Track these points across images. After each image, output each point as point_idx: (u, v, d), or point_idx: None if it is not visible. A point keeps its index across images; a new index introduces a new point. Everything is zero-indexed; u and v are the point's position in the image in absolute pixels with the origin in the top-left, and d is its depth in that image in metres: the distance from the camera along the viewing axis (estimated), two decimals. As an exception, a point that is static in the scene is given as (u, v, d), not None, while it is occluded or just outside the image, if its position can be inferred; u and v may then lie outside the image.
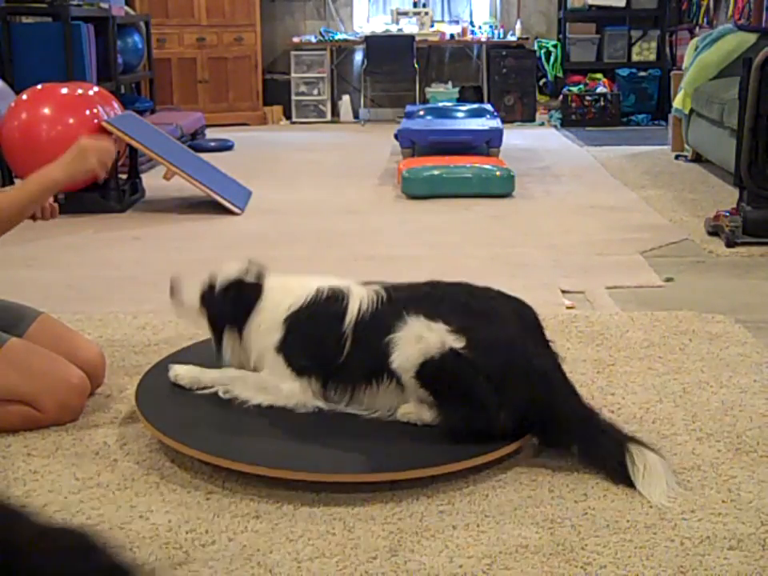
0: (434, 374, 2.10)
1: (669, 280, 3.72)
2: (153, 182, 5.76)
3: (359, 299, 2.23)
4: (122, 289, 3.72)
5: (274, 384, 2.27)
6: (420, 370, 2.11)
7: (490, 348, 2.10)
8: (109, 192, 5.21)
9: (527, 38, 9.77)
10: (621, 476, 2.01)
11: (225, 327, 2.33)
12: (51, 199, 2.50)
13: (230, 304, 2.33)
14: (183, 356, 2.56)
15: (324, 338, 2.23)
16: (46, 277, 3.90)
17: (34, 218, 2.50)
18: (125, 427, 2.35)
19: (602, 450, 2.06)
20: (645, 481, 1.99)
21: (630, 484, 2.00)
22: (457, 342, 2.08)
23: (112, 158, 2.41)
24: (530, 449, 2.18)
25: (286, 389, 2.25)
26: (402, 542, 1.81)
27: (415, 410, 2.18)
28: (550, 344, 2.23)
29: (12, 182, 5.31)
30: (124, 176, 5.47)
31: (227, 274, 2.36)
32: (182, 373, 2.39)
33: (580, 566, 1.72)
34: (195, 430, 2.18)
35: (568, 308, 3.35)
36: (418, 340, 2.11)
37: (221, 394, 2.32)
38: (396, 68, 9.58)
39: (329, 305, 2.24)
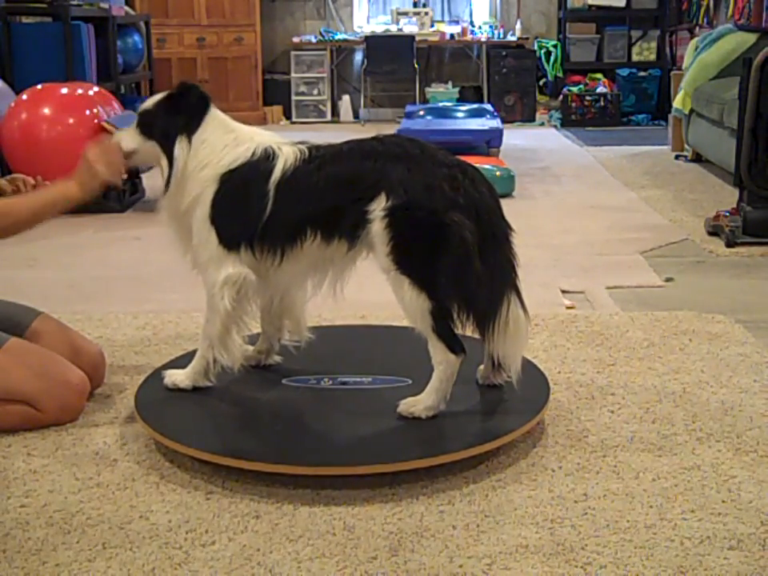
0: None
1: (669, 280, 3.72)
2: (153, 181, 5.74)
3: (285, 159, 2.24)
4: (122, 289, 3.71)
5: (212, 282, 2.28)
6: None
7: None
8: (109, 192, 5.20)
9: (527, 38, 9.77)
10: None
11: (175, 137, 2.34)
12: (32, 180, 2.53)
13: (174, 111, 2.34)
14: (180, 363, 2.53)
15: (249, 198, 2.24)
16: (47, 277, 3.90)
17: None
18: (125, 427, 2.35)
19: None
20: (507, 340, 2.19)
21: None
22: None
23: (119, 158, 2.41)
24: (529, 444, 2.19)
25: (221, 279, 2.26)
26: (402, 542, 1.81)
27: (416, 403, 2.19)
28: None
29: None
30: (124, 176, 5.44)
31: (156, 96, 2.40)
32: (179, 377, 2.38)
33: (580, 566, 1.72)
34: (194, 430, 2.19)
35: (568, 308, 3.35)
36: None
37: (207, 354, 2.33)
38: (396, 68, 9.57)
39: (259, 165, 2.25)
